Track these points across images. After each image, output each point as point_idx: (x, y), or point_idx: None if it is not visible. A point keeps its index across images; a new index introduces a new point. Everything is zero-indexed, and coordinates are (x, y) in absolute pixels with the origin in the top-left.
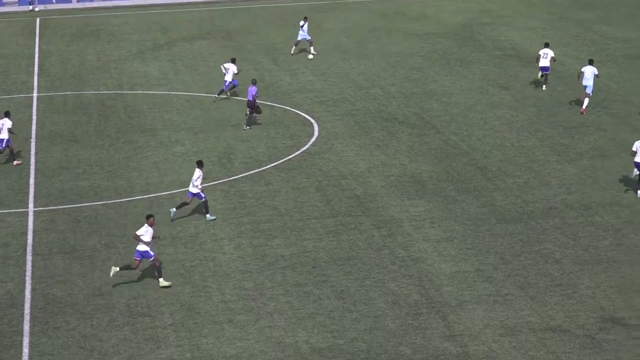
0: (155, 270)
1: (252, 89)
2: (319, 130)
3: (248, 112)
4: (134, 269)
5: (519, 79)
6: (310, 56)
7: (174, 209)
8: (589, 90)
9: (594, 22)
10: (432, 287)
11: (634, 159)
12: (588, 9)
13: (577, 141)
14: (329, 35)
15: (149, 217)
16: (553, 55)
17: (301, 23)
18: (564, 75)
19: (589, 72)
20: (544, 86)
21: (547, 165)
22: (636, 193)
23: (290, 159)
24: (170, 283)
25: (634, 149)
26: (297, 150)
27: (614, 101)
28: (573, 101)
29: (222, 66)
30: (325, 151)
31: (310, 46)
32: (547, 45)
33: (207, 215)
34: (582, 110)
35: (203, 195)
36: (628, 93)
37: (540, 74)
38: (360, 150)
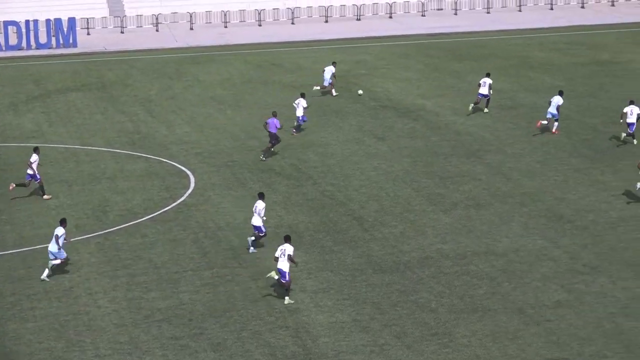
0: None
1: (275, 121)
2: (195, 182)
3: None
4: None
5: (395, 130)
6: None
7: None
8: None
9: (468, 73)
10: (308, 338)
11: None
12: (462, 60)
13: (452, 191)
14: (205, 86)
15: None
16: (491, 82)
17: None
18: (438, 125)
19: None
20: (486, 109)
21: (422, 215)
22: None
23: (166, 210)
24: None
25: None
26: (173, 202)
27: (488, 151)
28: (448, 152)
29: (293, 103)
30: (201, 203)
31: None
32: (487, 75)
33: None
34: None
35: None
36: (502, 143)
37: (478, 98)
38: (237, 202)
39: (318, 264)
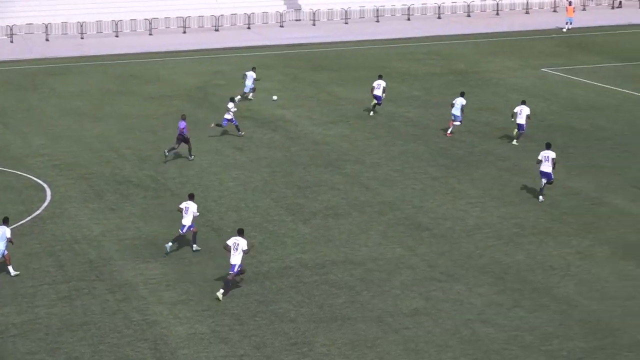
0: None
1: (182, 124)
2: (51, 195)
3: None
4: None
5: (254, 140)
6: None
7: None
8: (455, 120)
9: (326, 83)
10: (167, 351)
11: (539, 168)
12: (321, 70)
13: (311, 200)
14: (62, 98)
15: None
16: (385, 85)
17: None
18: (297, 135)
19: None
20: (372, 112)
21: (281, 225)
22: (538, 198)
23: (21, 224)
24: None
25: (539, 157)
26: (28, 216)
27: (346, 161)
28: (307, 162)
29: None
30: (57, 216)
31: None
32: (380, 77)
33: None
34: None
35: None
36: (360, 153)
37: (374, 102)
38: (93, 214)
39: (177, 275)
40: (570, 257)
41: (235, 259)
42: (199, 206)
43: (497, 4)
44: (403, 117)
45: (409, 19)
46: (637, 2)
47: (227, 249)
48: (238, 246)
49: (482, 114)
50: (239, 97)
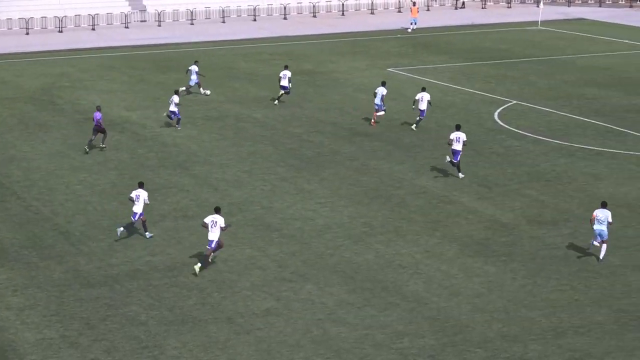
0: None
1: (97, 115)
2: None
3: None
4: None
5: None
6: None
7: None
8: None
9: (173, 84)
10: (15, 357)
11: (451, 147)
12: (167, 71)
13: (160, 202)
14: None
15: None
16: (290, 75)
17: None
18: (145, 137)
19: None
20: (277, 101)
21: (130, 228)
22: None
23: None
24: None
25: (451, 137)
26: None
27: (195, 162)
28: (157, 163)
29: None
30: None
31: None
32: (286, 68)
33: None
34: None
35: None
36: (208, 154)
37: (281, 92)
38: None
39: (24, 281)
40: (419, 256)
41: (213, 235)
42: (47, 210)
43: (343, 4)
44: (250, 118)
45: (255, 20)
46: (480, 3)
47: (205, 226)
48: (216, 224)
49: (330, 114)
50: (182, 88)
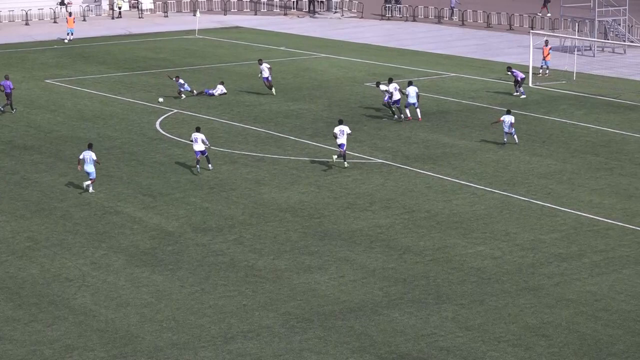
0: None
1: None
2: None
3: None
4: None
5: None
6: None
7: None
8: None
9: None
10: None
11: (337, 141)
12: None
13: None
14: None
15: None
16: (270, 66)
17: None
18: None
19: (413, 92)
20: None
21: None
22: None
23: None
24: None
25: (335, 131)
26: None
27: None
28: None
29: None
30: None
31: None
32: (260, 61)
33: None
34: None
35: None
36: None
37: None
38: None
39: None
40: (86, 268)
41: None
42: None
43: None
44: None
45: None
46: (137, 12)
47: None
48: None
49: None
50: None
